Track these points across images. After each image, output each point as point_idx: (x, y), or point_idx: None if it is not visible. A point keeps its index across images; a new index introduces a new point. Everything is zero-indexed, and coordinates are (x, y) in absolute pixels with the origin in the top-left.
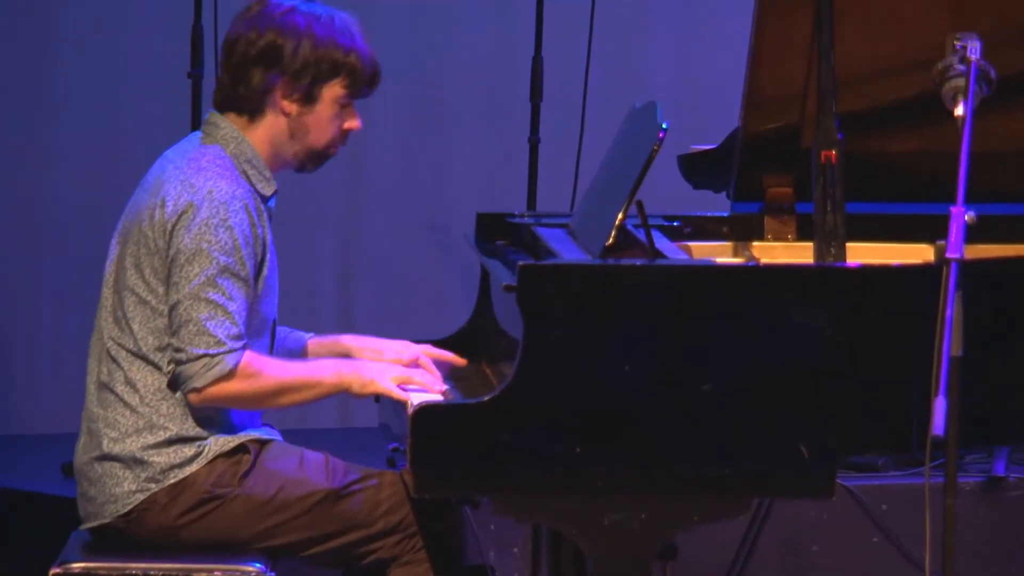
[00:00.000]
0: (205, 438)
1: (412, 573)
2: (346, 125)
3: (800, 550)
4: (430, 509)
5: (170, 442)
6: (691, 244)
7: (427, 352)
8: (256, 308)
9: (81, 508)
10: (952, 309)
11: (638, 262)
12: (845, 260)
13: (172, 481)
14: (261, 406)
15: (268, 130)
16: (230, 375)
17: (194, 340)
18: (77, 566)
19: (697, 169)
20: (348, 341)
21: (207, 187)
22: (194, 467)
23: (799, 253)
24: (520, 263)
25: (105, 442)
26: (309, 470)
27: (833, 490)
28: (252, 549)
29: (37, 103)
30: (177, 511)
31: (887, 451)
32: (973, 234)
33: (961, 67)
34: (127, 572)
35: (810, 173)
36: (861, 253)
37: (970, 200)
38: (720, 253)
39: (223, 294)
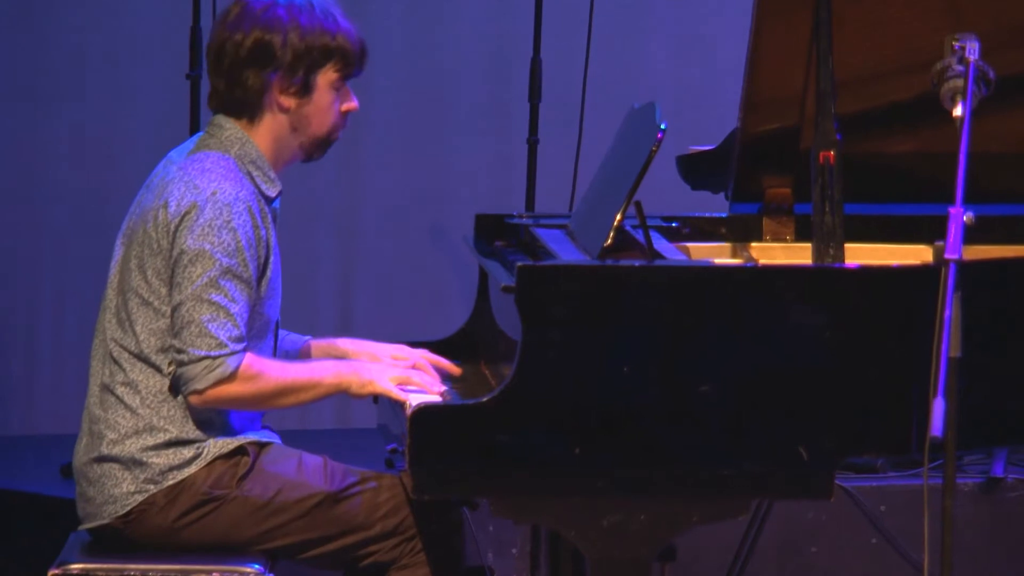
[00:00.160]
0: (204, 440)
1: None
2: (344, 107)
3: (799, 551)
4: (429, 511)
5: (169, 444)
6: (689, 245)
7: (424, 356)
8: (259, 310)
9: (80, 509)
10: (951, 310)
11: (636, 263)
12: (844, 261)
13: (171, 483)
14: (262, 407)
15: (269, 129)
16: (231, 377)
17: (195, 341)
18: (76, 567)
19: (696, 170)
20: (345, 344)
21: (211, 188)
22: (192, 469)
23: (798, 254)
24: (518, 264)
25: (104, 443)
26: (308, 473)
27: (832, 491)
28: (251, 551)
29: (36, 104)
30: (175, 512)
31: (886, 452)
32: (972, 235)
33: (960, 68)
34: (125, 573)
35: (809, 174)
36: (860, 254)
37: (969, 201)
38: (718, 254)
39: (225, 296)
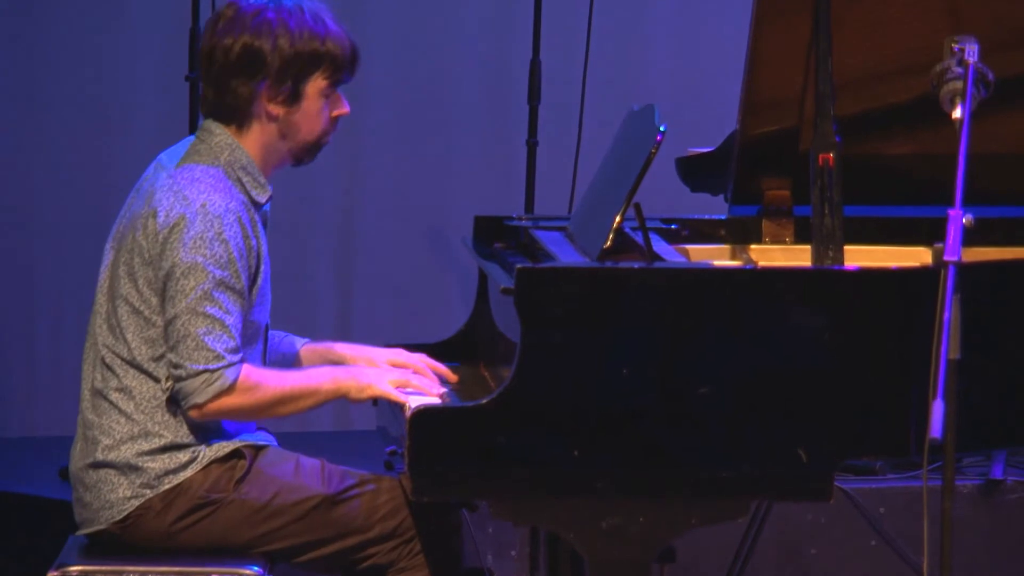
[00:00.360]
0: (199, 444)
1: None
2: (334, 113)
3: (798, 553)
4: (428, 513)
5: (164, 449)
6: (689, 247)
7: (422, 360)
8: (250, 317)
9: (77, 514)
10: (950, 312)
11: (636, 265)
12: (843, 263)
13: (167, 487)
14: (261, 417)
15: (258, 136)
16: (230, 389)
17: (193, 355)
18: (74, 569)
19: (695, 172)
20: (342, 349)
21: (200, 200)
22: (188, 473)
23: (797, 256)
24: (518, 266)
25: (100, 449)
26: (305, 475)
27: (831, 493)
28: (249, 554)
29: (34, 106)
30: (172, 516)
31: (885, 454)
32: (971, 237)
33: (959, 70)
34: (124, 575)
35: (808, 176)
36: (859, 256)
37: (968, 203)
38: (718, 256)
39: (220, 308)
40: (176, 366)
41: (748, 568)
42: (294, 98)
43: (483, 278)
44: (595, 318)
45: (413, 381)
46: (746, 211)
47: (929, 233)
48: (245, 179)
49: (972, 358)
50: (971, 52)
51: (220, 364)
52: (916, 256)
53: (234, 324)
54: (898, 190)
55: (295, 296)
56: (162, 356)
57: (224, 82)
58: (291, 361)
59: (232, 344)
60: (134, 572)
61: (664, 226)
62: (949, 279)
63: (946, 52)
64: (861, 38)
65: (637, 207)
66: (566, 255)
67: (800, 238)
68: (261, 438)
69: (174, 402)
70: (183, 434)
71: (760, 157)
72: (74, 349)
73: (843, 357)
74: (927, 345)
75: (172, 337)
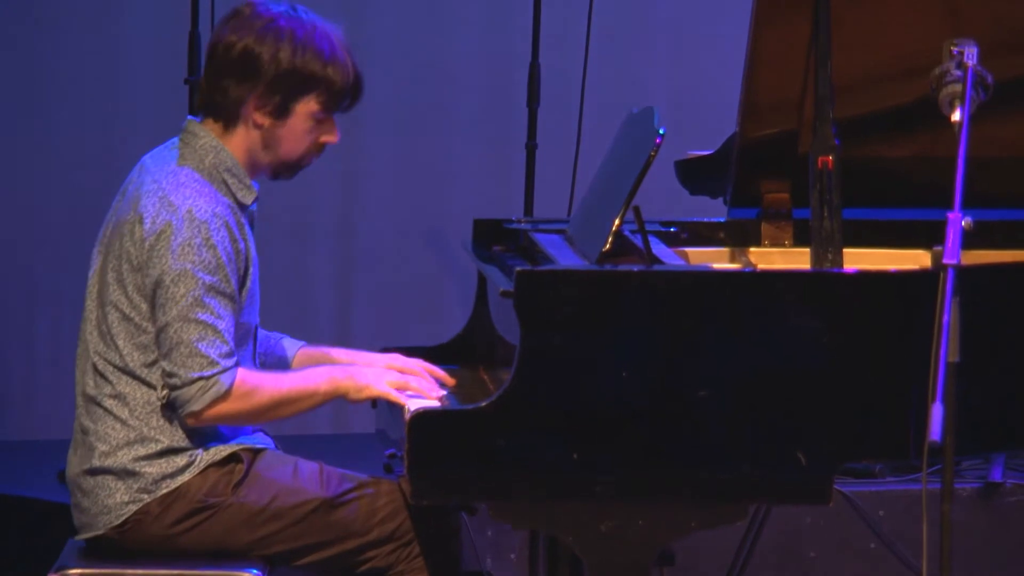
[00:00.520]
0: (196, 448)
1: None
2: (322, 139)
3: (797, 556)
4: (426, 516)
5: (161, 453)
6: (688, 250)
7: (420, 364)
8: (239, 319)
9: (75, 518)
10: (949, 315)
11: (635, 268)
12: (842, 266)
13: (164, 491)
14: (259, 421)
15: (243, 139)
16: (226, 395)
17: (187, 362)
18: (74, 572)
19: (694, 175)
20: (338, 354)
21: (186, 206)
22: (186, 477)
23: (796, 259)
24: (517, 269)
25: (96, 455)
26: (303, 479)
27: (830, 496)
28: (248, 557)
29: (34, 109)
30: (170, 520)
31: (884, 457)
32: (970, 240)
33: (958, 73)
34: None
35: (807, 179)
36: (858, 259)
37: (967, 206)
38: (717, 259)
39: (211, 313)
40: (170, 375)
41: (747, 571)
42: (281, 113)
43: (482, 281)
44: (594, 321)
45: (412, 384)
46: (745, 214)
47: (928, 236)
48: (230, 181)
49: (971, 361)
50: (970, 55)
51: (215, 370)
52: (915, 259)
53: (226, 328)
54: (897, 193)
55: (294, 299)
56: (154, 362)
57: (218, 79)
58: (287, 364)
59: (226, 349)
60: (133, 575)
61: (663, 229)
62: (948, 282)
63: (945, 55)
64: (860, 41)
65: (636, 210)
66: (565, 258)
67: (799, 241)
68: (259, 441)
69: (170, 407)
70: (179, 438)
71: (759, 160)
72: (73, 353)
73: (842, 360)
74: (926, 348)
75: (165, 345)
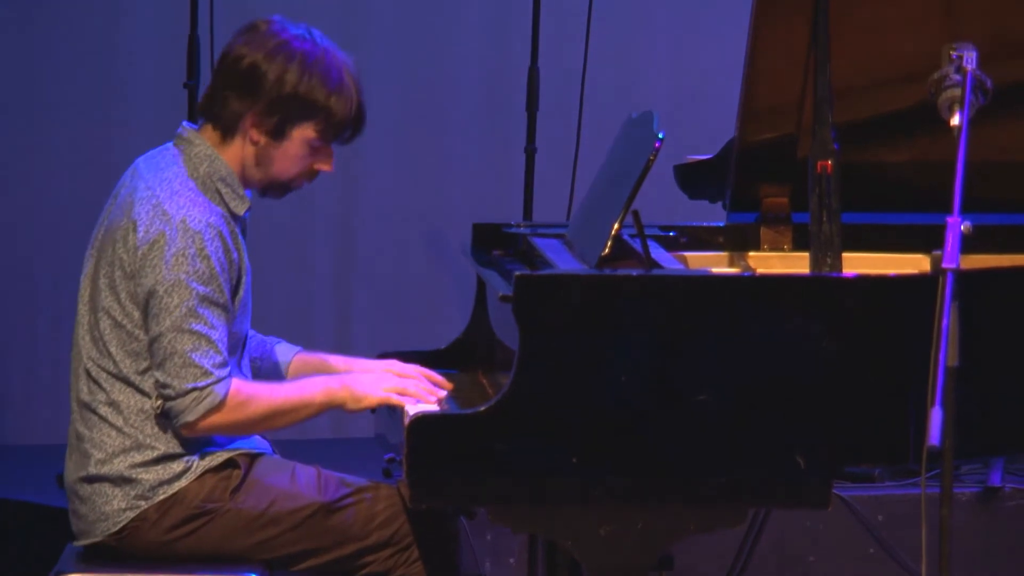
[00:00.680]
0: (192, 454)
1: None
2: (315, 166)
3: (796, 560)
4: (425, 520)
5: (158, 460)
6: (687, 254)
7: (418, 370)
8: (231, 328)
9: (73, 525)
10: (948, 319)
11: (634, 272)
12: (841, 270)
13: (161, 497)
14: (254, 431)
15: (238, 152)
16: (220, 406)
17: (181, 373)
18: None
19: (693, 179)
20: (336, 362)
21: (180, 215)
22: (183, 483)
23: (795, 263)
24: (516, 273)
25: (93, 462)
26: (301, 484)
27: (829, 501)
28: (246, 562)
29: (33, 113)
30: (167, 526)
31: (883, 462)
32: (969, 244)
33: (957, 77)
34: None
35: (806, 183)
36: (857, 263)
37: (966, 210)
38: (716, 263)
39: (205, 324)
40: (164, 385)
41: (746, 574)
42: (277, 134)
43: (481, 285)
44: (593, 325)
45: (410, 388)
46: (744, 218)
47: (927, 240)
48: (224, 190)
49: (970, 365)
50: (969, 59)
51: (209, 380)
52: (914, 263)
53: (220, 338)
54: (896, 197)
55: (294, 302)
56: (147, 369)
57: (222, 89)
58: (283, 370)
59: (220, 359)
60: None
61: (662, 233)
62: (947, 286)
63: (944, 59)
64: (860, 45)
65: (635, 214)
66: (564, 262)
67: (798, 245)
68: (256, 446)
69: (165, 415)
70: (175, 445)
71: (758, 164)
72: None
73: (841, 364)
74: (925, 352)
75: (158, 356)
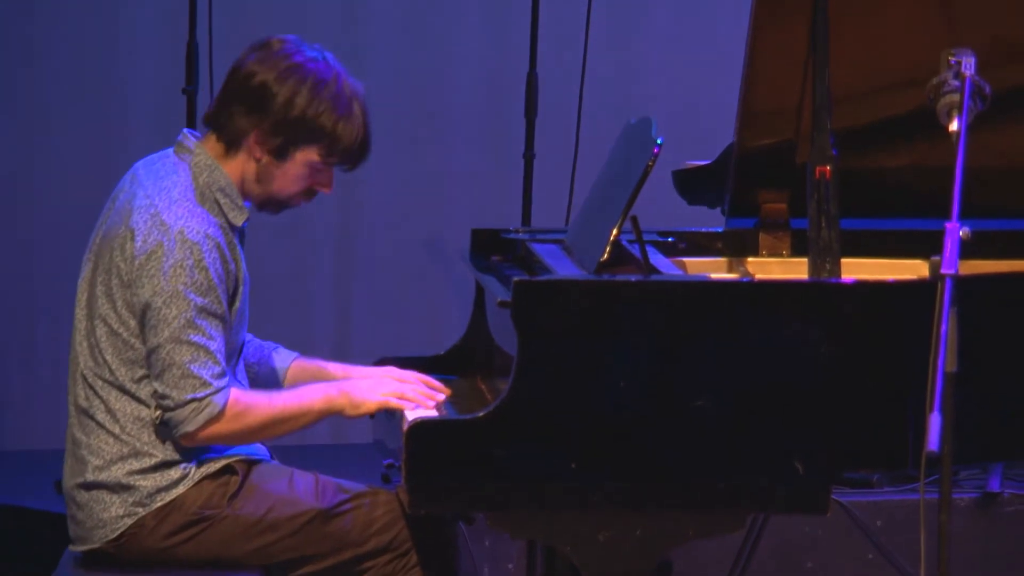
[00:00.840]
0: (190, 461)
1: None
2: (315, 187)
3: (795, 566)
4: (424, 526)
5: (155, 467)
6: (686, 260)
7: (415, 376)
8: (228, 338)
9: (71, 531)
10: (947, 325)
11: (633, 278)
12: (840, 276)
13: (159, 504)
14: (254, 440)
15: (241, 165)
16: (220, 416)
17: (180, 384)
18: None
19: (692, 185)
20: (334, 369)
21: (178, 226)
22: (180, 489)
23: (794, 269)
24: (515, 279)
25: (90, 469)
26: (299, 490)
27: (828, 506)
28: (244, 569)
29: (32, 119)
30: (166, 532)
31: (882, 467)
32: (968, 250)
33: (956, 83)
34: None
35: (805, 189)
36: (856, 269)
37: (965, 216)
38: (715, 269)
39: (203, 335)
40: (163, 396)
41: None
42: (280, 154)
43: (480, 291)
44: (592, 331)
45: (408, 393)
46: (743, 224)
47: (926, 246)
48: (223, 201)
49: (969, 371)
50: (968, 65)
51: (208, 391)
52: (913, 269)
53: (218, 349)
54: (895, 203)
55: (293, 308)
56: (143, 378)
57: (230, 103)
58: (281, 375)
59: (218, 369)
60: None
61: (661, 239)
62: (946, 292)
63: (943, 65)
64: (858, 51)
65: (634, 220)
66: (563, 268)
67: (797, 251)
68: (254, 452)
69: (164, 425)
70: (172, 452)
71: (757, 170)
72: None
73: (840, 370)
74: (924, 358)
75: (157, 367)
